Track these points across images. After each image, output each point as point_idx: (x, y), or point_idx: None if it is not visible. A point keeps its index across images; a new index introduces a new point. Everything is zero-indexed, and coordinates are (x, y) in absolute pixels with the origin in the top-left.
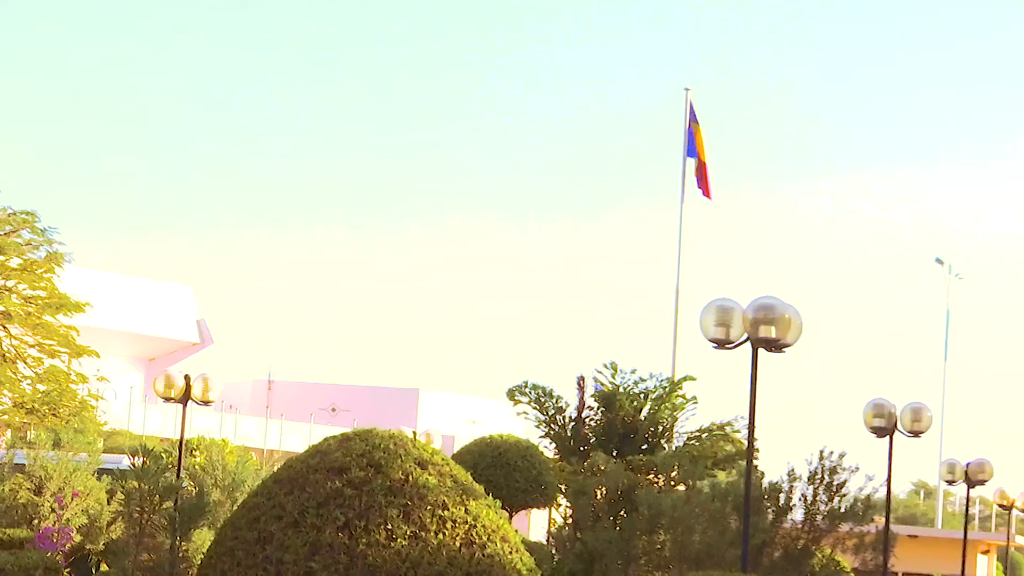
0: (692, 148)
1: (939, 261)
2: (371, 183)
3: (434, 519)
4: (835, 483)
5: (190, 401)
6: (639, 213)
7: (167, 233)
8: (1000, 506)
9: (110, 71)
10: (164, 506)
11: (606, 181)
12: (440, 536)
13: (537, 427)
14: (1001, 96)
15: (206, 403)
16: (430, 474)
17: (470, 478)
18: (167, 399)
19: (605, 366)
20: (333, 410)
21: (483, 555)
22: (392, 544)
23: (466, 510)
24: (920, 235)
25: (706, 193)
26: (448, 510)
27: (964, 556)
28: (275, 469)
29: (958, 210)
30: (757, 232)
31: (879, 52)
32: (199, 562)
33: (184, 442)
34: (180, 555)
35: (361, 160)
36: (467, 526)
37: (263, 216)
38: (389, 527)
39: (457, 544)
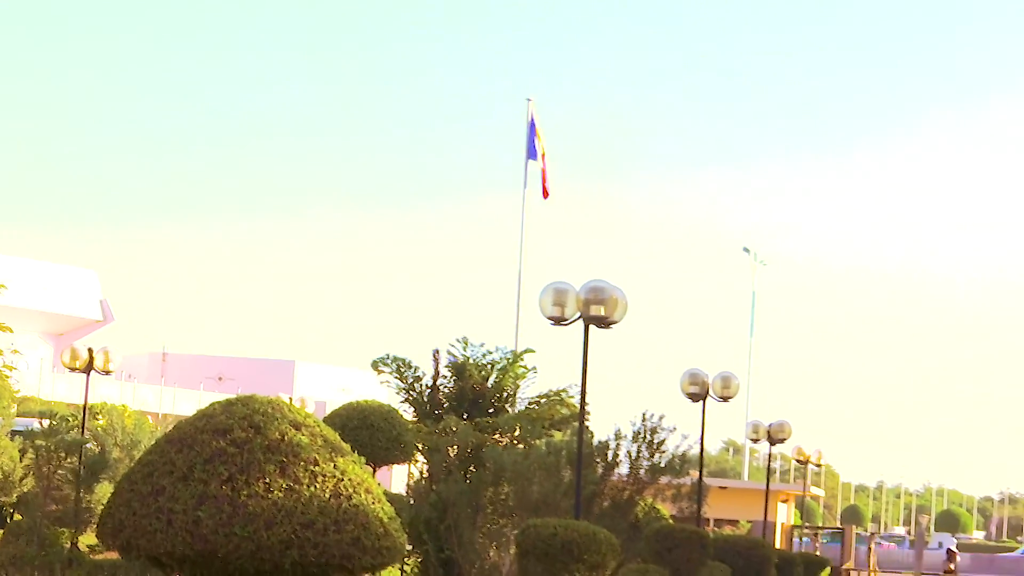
0: (533, 151)
1: (746, 250)
2: (259, 175)
3: (307, 474)
4: (655, 441)
5: (93, 371)
6: (489, 207)
7: (75, 221)
8: (798, 461)
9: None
10: (69, 461)
11: (462, 176)
12: (312, 488)
13: (398, 394)
14: (810, 104)
15: (107, 373)
16: (303, 435)
17: (339, 438)
18: (73, 369)
19: (457, 340)
20: (220, 379)
21: (349, 505)
22: (270, 495)
23: (335, 466)
24: (731, 226)
25: (543, 193)
26: (319, 466)
27: (767, 504)
28: (168, 431)
29: (764, 205)
30: (592, 223)
31: (705, 63)
32: (100, 512)
33: (88, 407)
34: (83, 506)
35: (248, 153)
36: (335, 479)
37: (164, 207)
38: (267, 480)
39: (327, 495)
